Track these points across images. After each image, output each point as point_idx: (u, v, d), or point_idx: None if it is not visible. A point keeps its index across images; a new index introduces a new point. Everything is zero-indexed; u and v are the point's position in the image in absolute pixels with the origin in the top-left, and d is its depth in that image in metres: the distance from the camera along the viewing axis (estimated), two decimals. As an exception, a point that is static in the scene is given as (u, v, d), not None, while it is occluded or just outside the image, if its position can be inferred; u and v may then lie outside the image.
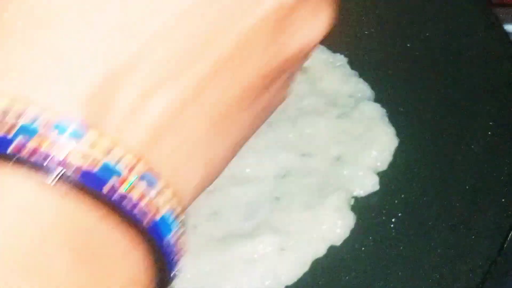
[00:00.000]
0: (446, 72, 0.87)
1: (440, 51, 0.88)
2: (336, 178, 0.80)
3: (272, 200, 0.79)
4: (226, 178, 0.82)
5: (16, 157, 0.34)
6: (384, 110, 0.84)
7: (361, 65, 0.89)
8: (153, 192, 0.38)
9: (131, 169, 0.37)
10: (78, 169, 0.35)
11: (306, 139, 0.83)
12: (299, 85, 0.88)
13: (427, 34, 0.90)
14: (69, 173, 0.35)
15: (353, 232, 0.77)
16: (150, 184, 0.38)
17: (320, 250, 0.76)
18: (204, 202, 0.80)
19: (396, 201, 0.78)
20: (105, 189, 0.36)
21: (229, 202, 0.80)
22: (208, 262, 0.76)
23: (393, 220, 0.77)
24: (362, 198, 0.79)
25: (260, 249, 0.76)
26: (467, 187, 0.78)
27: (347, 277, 0.74)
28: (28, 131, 0.35)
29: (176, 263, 0.43)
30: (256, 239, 0.76)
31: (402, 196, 0.78)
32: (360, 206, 0.78)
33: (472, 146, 0.80)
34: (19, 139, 0.35)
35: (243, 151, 0.84)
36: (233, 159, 0.83)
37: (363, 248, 0.76)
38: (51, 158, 0.35)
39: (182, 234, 0.44)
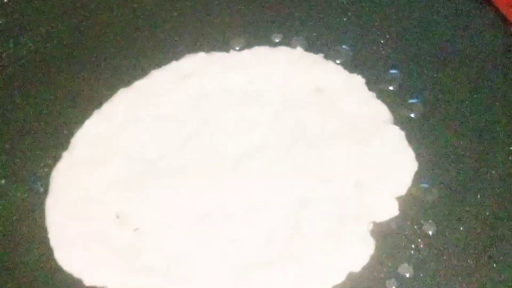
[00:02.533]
0: (465, 96, 0.86)
1: (460, 73, 0.87)
2: (356, 205, 0.79)
3: (291, 227, 0.78)
4: (246, 204, 0.81)
5: None
6: (403, 133, 0.83)
7: (379, 86, 0.88)
8: None
9: None
10: None
11: (325, 165, 0.82)
12: (315, 107, 0.87)
13: (445, 56, 0.89)
14: None
15: (373, 258, 0.76)
16: None
17: (339, 277, 0.75)
18: (223, 229, 0.80)
19: (415, 227, 0.77)
20: None
21: (248, 229, 0.79)
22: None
23: (413, 246, 0.76)
24: (381, 223, 0.78)
25: (279, 277, 0.75)
26: (487, 213, 0.77)
27: (366, 304, 0.73)
28: None
29: None
30: (275, 267, 0.76)
31: (422, 221, 0.77)
32: (380, 231, 0.77)
33: (493, 172, 0.80)
34: None
35: (262, 178, 0.84)
36: (252, 186, 0.83)
37: (382, 275, 0.75)
38: None
39: None
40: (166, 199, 0.82)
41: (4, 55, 0.96)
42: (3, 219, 0.84)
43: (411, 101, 0.86)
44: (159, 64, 0.94)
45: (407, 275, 0.74)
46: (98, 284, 0.78)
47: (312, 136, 0.84)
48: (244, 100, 0.89)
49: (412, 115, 0.85)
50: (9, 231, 0.83)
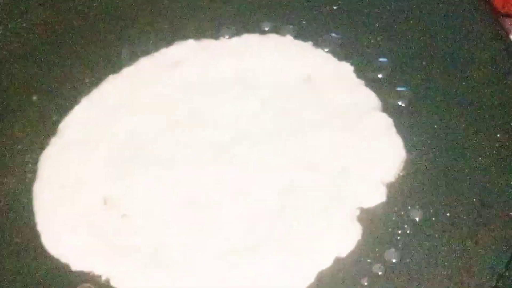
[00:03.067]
0: (453, 83, 0.86)
1: (447, 61, 0.87)
2: (342, 190, 0.79)
3: (277, 213, 0.78)
4: (232, 190, 0.81)
5: None
6: (391, 120, 0.83)
7: (367, 74, 0.88)
8: None
9: None
10: None
11: (312, 151, 0.82)
12: (303, 94, 0.88)
13: (433, 44, 0.89)
14: None
15: (360, 244, 0.76)
16: None
17: (325, 262, 0.75)
18: (209, 214, 0.80)
19: (402, 213, 0.77)
20: None
21: (234, 214, 0.79)
22: (214, 276, 0.75)
23: (399, 232, 0.76)
24: (368, 209, 0.78)
25: (265, 262, 0.75)
26: (474, 199, 0.77)
27: (352, 289, 0.73)
28: None
29: None
30: (261, 252, 0.76)
31: (409, 208, 0.78)
32: (367, 217, 0.77)
33: (480, 159, 0.80)
34: None
35: (248, 164, 0.84)
36: (239, 172, 0.83)
37: (369, 260, 0.75)
38: None
39: None
40: (153, 185, 0.82)
41: (-8, 41, 0.96)
42: (-10, 205, 0.84)
43: (399, 88, 0.86)
44: (148, 51, 0.94)
45: (394, 260, 0.74)
46: (85, 269, 0.78)
47: (300, 123, 0.84)
48: (232, 88, 0.89)
49: (401, 103, 0.85)
50: (-3, 216, 0.83)
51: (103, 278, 0.77)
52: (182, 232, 0.79)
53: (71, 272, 0.78)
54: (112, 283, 0.77)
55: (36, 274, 0.79)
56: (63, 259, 0.79)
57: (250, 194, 0.80)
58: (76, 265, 0.78)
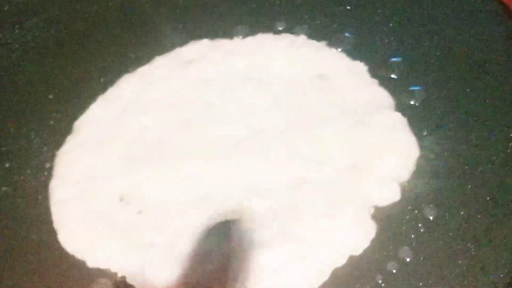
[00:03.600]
0: (467, 83, 0.86)
1: (462, 61, 0.88)
2: (356, 187, 0.79)
3: (289, 209, 0.79)
4: (243, 188, 0.82)
5: None
6: (405, 119, 0.84)
7: (381, 73, 0.89)
8: None
9: None
10: None
11: (325, 148, 0.83)
12: (316, 92, 0.88)
13: (447, 44, 0.90)
14: None
15: (374, 242, 0.76)
16: None
17: (340, 260, 0.75)
18: (222, 209, 0.80)
19: (416, 211, 0.78)
20: None
21: (246, 211, 0.80)
22: (229, 270, 0.75)
23: (414, 230, 0.76)
24: (383, 207, 0.78)
25: (278, 258, 0.76)
26: (487, 198, 0.77)
27: (366, 287, 0.74)
28: None
29: None
30: (274, 249, 0.76)
31: (423, 206, 0.78)
32: (381, 215, 0.78)
33: (493, 157, 0.80)
34: None
35: (261, 160, 0.85)
36: (251, 167, 0.84)
37: (383, 258, 0.75)
38: None
39: None
40: (168, 181, 0.83)
41: (9, 40, 0.97)
42: (7, 202, 0.85)
43: (413, 88, 0.87)
44: (163, 51, 0.94)
45: (408, 259, 0.75)
46: (101, 266, 0.79)
47: (313, 119, 0.85)
48: (246, 85, 0.89)
49: (414, 102, 0.86)
50: (14, 214, 0.84)
51: (119, 274, 0.78)
52: (197, 227, 0.79)
53: (87, 268, 0.79)
54: (128, 279, 0.77)
55: (53, 271, 0.79)
56: (80, 255, 0.80)
57: (264, 189, 0.81)
58: (93, 262, 0.79)
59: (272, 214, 0.79)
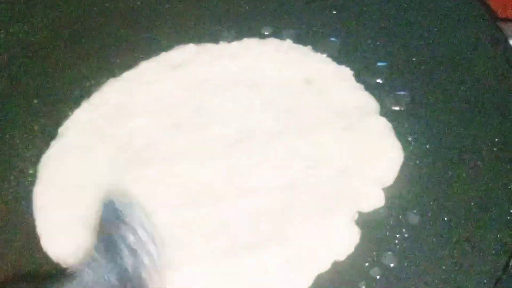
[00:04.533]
0: (452, 87, 0.86)
1: (446, 65, 0.88)
2: (341, 192, 0.80)
3: (278, 212, 0.79)
4: (233, 189, 0.82)
5: None
6: (390, 124, 0.84)
7: (366, 78, 0.89)
8: None
9: None
10: None
11: (311, 151, 0.83)
12: (304, 96, 0.88)
13: (433, 48, 0.90)
14: None
15: (357, 247, 0.76)
16: None
17: (324, 265, 0.75)
18: (210, 213, 0.80)
19: (400, 217, 0.78)
20: None
21: (235, 213, 0.79)
22: (214, 273, 0.76)
23: (397, 236, 0.76)
24: (367, 213, 0.78)
25: (262, 263, 0.75)
26: (472, 203, 0.77)
27: (350, 293, 0.74)
28: None
29: None
30: (262, 252, 0.76)
31: (407, 211, 0.78)
32: (365, 220, 0.78)
33: (478, 162, 0.80)
34: None
35: (250, 163, 0.85)
36: (240, 170, 0.83)
37: (366, 264, 0.75)
38: None
39: None
40: (156, 186, 0.82)
41: (-7, 44, 0.97)
42: (-10, 208, 0.84)
43: (398, 93, 0.87)
44: (148, 55, 0.94)
45: (392, 264, 0.75)
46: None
47: (301, 123, 0.85)
48: (234, 88, 0.89)
49: (400, 107, 0.86)
50: (-3, 219, 0.83)
51: (104, 280, 0.77)
52: (186, 229, 0.79)
53: (72, 275, 0.78)
54: (112, 286, 0.77)
55: (36, 277, 0.79)
56: (63, 262, 0.79)
57: (253, 192, 0.81)
58: (77, 268, 0.78)
59: (262, 216, 0.79)
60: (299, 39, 0.93)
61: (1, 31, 0.97)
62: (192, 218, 0.80)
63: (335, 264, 0.75)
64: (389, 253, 0.75)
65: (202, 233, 0.79)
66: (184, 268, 0.76)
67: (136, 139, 0.87)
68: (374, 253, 0.76)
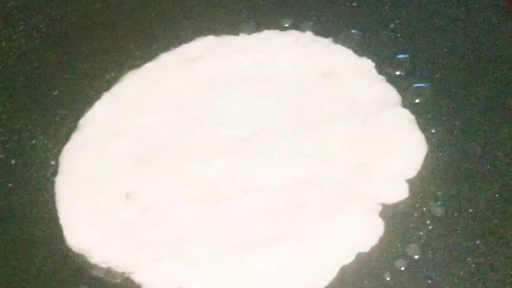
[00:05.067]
0: (474, 79, 0.86)
1: (468, 57, 0.88)
2: (363, 185, 0.79)
3: (296, 207, 0.78)
4: (249, 184, 0.81)
5: None
6: (412, 116, 0.83)
7: (388, 70, 0.88)
8: None
9: None
10: None
11: (330, 145, 0.83)
12: (322, 89, 0.88)
13: (454, 40, 0.89)
14: None
15: (382, 239, 0.76)
16: None
17: (347, 257, 0.75)
18: (228, 209, 0.80)
19: (424, 209, 0.77)
20: None
21: (248, 209, 0.79)
22: (228, 270, 0.75)
23: (422, 227, 0.76)
24: (391, 205, 0.78)
25: (285, 257, 0.75)
26: (496, 195, 0.77)
27: (374, 285, 0.73)
28: None
29: None
30: (281, 247, 0.76)
31: (431, 203, 0.78)
32: (389, 213, 0.77)
33: (501, 154, 0.80)
34: None
35: (266, 158, 0.84)
36: (257, 166, 0.83)
37: (391, 256, 0.75)
38: None
39: None
40: (173, 179, 0.82)
41: (14, 36, 0.97)
42: (13, 200, 0.84)
43: (420, 84, 0.87)
44: (168, 47, 0.94)
45: (416, 256, 0.74)
46: (106, 263, 0.78)
47: (319, 117, 0.85)
48: (251, 82, 0.89)
49: (421, 99, 0.85)
50: (19, 211, 0.83)
51: (125, 271, 0.77)
52: (203, 225, 0.79)
53: (92, 266, 0.78)
54: (133, 277, 0.77)
55: (58, 267, 0.79)
56: (85, 252, 0.79)
57: (270, 187, 0.80)
58: (98, 259, 0.78)
59: (279, 212, 0.79)
60: (320, 31, 0.93)
61: (20, 22, 0.97)
62: (209, 212, 0.80)
63: (359, 256, 0.75)
64: (414, 244, 0.75)
65: (221, 228, 0.78)
66: (204, 264, 0.76)
67: (153, 132, 0.87)
68: (399, 244, 0.75)
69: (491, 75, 0.86)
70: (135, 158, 0.85)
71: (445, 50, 0.89)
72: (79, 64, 0.94)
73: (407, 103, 0.85)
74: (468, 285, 0.71)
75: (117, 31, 0.96)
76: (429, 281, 0.72)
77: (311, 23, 0.94)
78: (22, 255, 0.80)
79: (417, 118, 0.84)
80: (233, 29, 0.95)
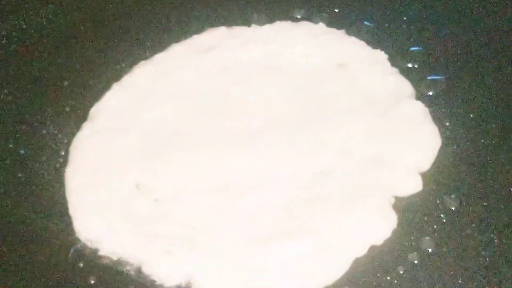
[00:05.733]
0: (488, 71, 0.85)
1: (482, 50, 0.87)
2: (377, 178, 0.78)
3: (309, 199, 0.78)
4: (262, 177, 0.81)
5: None
6: (426, 109, 0.83)
7: (401, 62, 0.88)
8: None
9: None
10: None
11: (345, 138, 0.82)
12: (335, 82, 0.87)
13: (469, 33, 0.89)
14: None
15: (395, 232, 0.75)
16: None
17: (361, 250, 0.74)
18: (241, 200, 0.79)
19: (438, 202, 0.77)
20: None
21: (264, 201, 0.78)
22: (241, 262, 0.74)
23: (435, 221, 0.75)
24: (404, 198, 0.77)
25: (299, 249, 0.74)
26: (510, 189, 0.76)
27: (388, 277, 0.73)
28: None
29: None
30: (294, 239, 0.75)
31: (445, 197, 0.77)
32: (403, 206, 0.77)
33: (516, 148, 0.79)
34: None
35: (280, 150, 0.84)
36: (270, 158, 0.83)
37: (404, 249, 0.74)
38: None
39: None
40: (185, 170, 0.82)
41: (25, 26, 0.96)
42: (22, 189, 0.83)
43: (434, 77, 0.86)
44: (180, 38, 0.93)
45: (430, 249, 0.74)
46: (116, 255, 0.77)
47: (332, 109, 0.84)
48: (264, 74, 0.88)
49: (436, 91, 0.85)
50: (29, 201, 0.82)
51: (135, 263, 0.76)
52: (215, 216, 0.78)
53: (102, 257, 0.78)
54: (144, 268, 0.76)
55: (67, 258, 0.78)
56: (95, 244, 0.78)
57: (283, 180, 0.80)
58: (108, 251, 0.78)
59: (292, 204, 0.78)
60: (332, 23, 0.92)
61: (30, 12, 0.97)
62: (221, 204, 0.79)
63: (373, 249, 0.74)
64: (427, 238, 0.74)
65: (232, 220, 0.78)
66: (216, 256, 0.75)
67: (165, 123, 0.86)
68: (412, 237, 0.74)
69: (506, 68, 0.85)
70: (146, 149, 0.85)
71: (459, 43, 0.88)
72: (89, 55, 0.93)
73: (420, 96, 0.85)
74: (482, 279, 0.71)
75: (127, 22, 0.95)
76: (443, 275, 0.72)
77: (324, 14, 0.93)
78: (31, 246, 0.79)
79: (431, 111, 0.83)
80: (245, 20, 0.94)
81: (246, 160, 0.82)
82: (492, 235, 0.73)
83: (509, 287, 0.70)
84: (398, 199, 0.77)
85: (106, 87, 0.90)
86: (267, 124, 0.84)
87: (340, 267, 0.73)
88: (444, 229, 0.75)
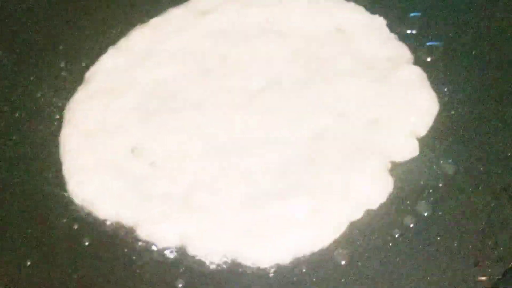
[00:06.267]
0: (486, 36, 0.85)
1: (480, 15, 0.86)
2: (374, 142, 0.78)
3: (306, 161, 0.77)
4: (260, 138, 0.80)
5: None
6: (425, 75, 0.82)
7: (400, 28, 0.87)
8: None
9: None
10: None
11: (342, 101, 0.81)
12: (334, 46, 0.86)
13: (468, 0, 0.88)
14: None
15: (391, 196, 0.75)
16: None
17: (356, 213, 0.74)
18: (238, 161, 0.79)
19: (435, 167, 0.76)
20: None
21: (262, 163, 0.78)
22: (241, 222, 0.74)
23: (431, 185, 0.75)
24: (401, 162, 0.77)
25: (294, 211, 0.74)
26: (508, 153, 0.76)
27: (383, 241, 0.72)
28: None
29: None
30: (290, 200, 0.75)
31: (441, 161, 0.76)
32: (399, 170, 0.76)
33: (510, 110, 0.79)
34: None
35: (278, 112, 0.83)
36: (268, 119, 0.82)
37: (400, 212, 0.74)
38: None
39: None
40: (182, 132, 0.81)
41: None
42: (18, 152, 0.83)
43: (432, 43, 0.85)
44: (177, 2, 0.93)
45: (425, 213, 0.73)
46: (111, 217, 0.77)
47: (331, 72, 0.84)
48: (263, 36, 0.88)
49: (433, 57, 0.84)
50: (23, 164, 0.82)
51: (130, 225, 0.76)
52: (211, 178, 0.78)
53: (96, 220, 0.77)
54: (140, 230, 0.75)
55: (61, 221, 0.78)
56: (89, 206, 0.78)
57: (280, 141, 0.79)
58: (103, 213, 0.77)
59: (289, 166, 0.77)
60: (331, -12, 0.91)
61: (26, -24, 0.96)
62: (218, 165, 0.78)
63: (368, 213, 0.74)
64: (423, 202, 0.74)
65: (229, 181, 0.77)
66: (212, 217, 0.75)
67: (161, 86, 0.86)
68: (408, 202, 0.74)
69: (505, 34, 0.85)
70: (142, 111, 0.84)
71: (458, 9, 0.87)
72: (85, 19, 0.93)
73: (419, 62, 0.84)
74: (478, 242, 0.70)
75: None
76: (438, 238, 0.71)
77: (323, -21, 0.92)
78: (26, 209, 0.79)
79: (429, 77, 0.82)
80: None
81: (243, 121, 0.81)
82: (488, 200, 0.73)
83: (505, 251, 0.70)
84: (394, 164, 0.77)
85: (102, 51, 0.90)
86: (267, 85, 0.84)
87: (335, 230, 0.73)
88: (441, 193, 0.74)
